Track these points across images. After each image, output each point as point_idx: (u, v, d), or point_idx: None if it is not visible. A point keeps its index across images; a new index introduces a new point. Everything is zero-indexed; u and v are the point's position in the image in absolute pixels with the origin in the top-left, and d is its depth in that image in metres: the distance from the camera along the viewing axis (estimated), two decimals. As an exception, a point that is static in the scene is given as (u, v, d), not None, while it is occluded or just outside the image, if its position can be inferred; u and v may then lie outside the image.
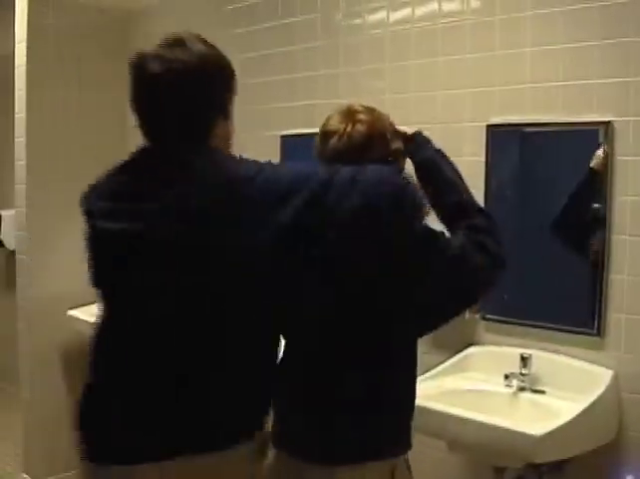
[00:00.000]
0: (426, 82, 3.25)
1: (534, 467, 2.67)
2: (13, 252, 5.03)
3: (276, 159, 3.84)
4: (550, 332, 2.89)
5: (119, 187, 1.88)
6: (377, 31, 3.43)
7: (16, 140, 4.57)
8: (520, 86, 2.95)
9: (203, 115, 1.90)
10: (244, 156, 1.90)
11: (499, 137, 3.02)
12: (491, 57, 3.02)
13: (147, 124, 1.90)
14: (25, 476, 4.63)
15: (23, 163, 4.50)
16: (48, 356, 4.59)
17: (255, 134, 3.96)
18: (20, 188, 4.54)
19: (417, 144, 2.21)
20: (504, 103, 3.00)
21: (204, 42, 1.97)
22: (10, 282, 5.30)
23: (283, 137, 3.84)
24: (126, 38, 4.88)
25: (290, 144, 3.81)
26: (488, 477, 2.84)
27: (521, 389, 2.83)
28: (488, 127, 3.03)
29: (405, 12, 3.32)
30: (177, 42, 1.92)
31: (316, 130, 3.61)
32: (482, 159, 3.05)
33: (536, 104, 2.91)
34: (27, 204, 4.49)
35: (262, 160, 1.87)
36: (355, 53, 3.52)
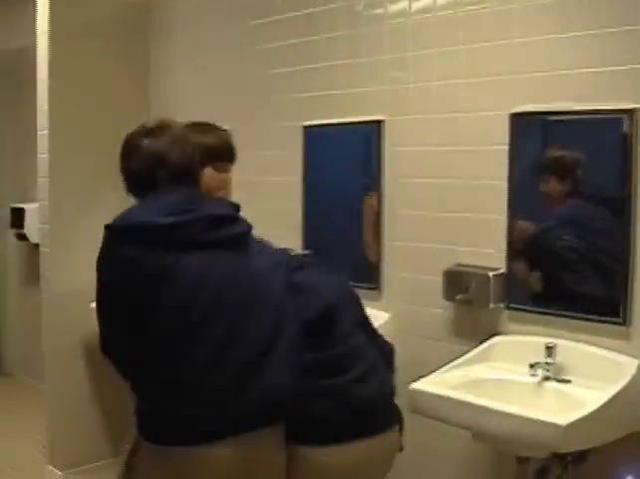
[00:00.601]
0: (448, 71, 3.23)
1: (559, 457, 2.67)
2: (36, 246, 5.06)
3: (299, 150, 3.85)
4: (576, 321, 2.86)
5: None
6: (398, 20, 3.41)
7: (39, 133, 4.59)
8: (544, 74, 2.92)
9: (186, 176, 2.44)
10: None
11: (523, 125, 2.99)
12: (514, 44, 3.00)
13: (139, 184, 2.42)
14: (51, 468, 4.66)
15: (46, 156, 4.52)
16: (71, 349, 4.61)
17: (277, 125, 3.96)
18: (43, 181, 4.56)
19: None
20: (528, 91, 2.97)
21: (177, 125, 2.52)
22: (33, 276, 5.33)
23: (306, 127, 3.83)
24: (146, 27, 4.89)
25: (312, 134, 3.80)
26: (512, 467, 2.83)
27: (546, 379, 2.81)
28: (512, 115, 3.01)
29: (426, 1, 3.30)
30: (162, 126, 2.45)
31: (338, 120, 3.64)
32: (506, 148, 3.02)
33: (560, 92, 2.88)
34: (50, 196, 4.51)
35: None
36: (377, 42, 3.50)
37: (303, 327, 2.34)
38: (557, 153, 2.95)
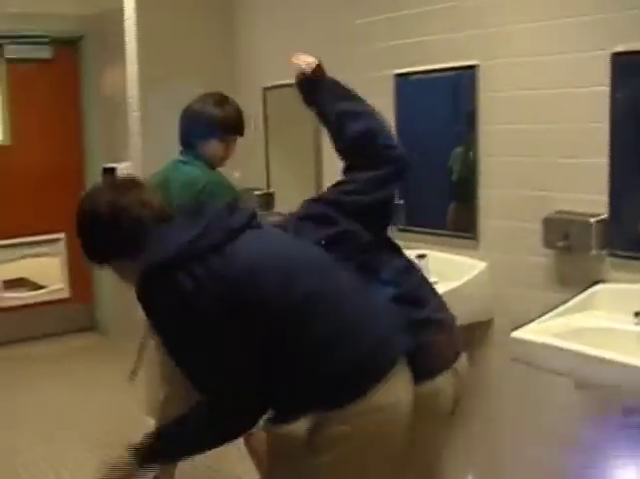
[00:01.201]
0: (545, 11, 3.12)
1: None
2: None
3: (390, 99, 3.79)
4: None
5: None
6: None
7: (128, 92, 4.63)
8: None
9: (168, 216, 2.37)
10: None
11: (626, 65, 2.87)
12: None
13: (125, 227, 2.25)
14: (149, 419, 4.75)
15: (137, 113, 4.57)
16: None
17: (367, 75, 3.89)
18: (135, 139, 4.61)
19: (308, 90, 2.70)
20: (631, 29, 2.85)
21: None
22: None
23: (397, 75, 3.76)
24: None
25: (404, 82, 3.73)
26: (617, 417, 2.78)
27: (652, 327, 2.73)
28: (613, 55, 2.89)
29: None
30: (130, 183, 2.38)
31: (432, 66, 3.55)
32: (607, 89, 2.91)
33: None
34: (143, 153, 4.56)
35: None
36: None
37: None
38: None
